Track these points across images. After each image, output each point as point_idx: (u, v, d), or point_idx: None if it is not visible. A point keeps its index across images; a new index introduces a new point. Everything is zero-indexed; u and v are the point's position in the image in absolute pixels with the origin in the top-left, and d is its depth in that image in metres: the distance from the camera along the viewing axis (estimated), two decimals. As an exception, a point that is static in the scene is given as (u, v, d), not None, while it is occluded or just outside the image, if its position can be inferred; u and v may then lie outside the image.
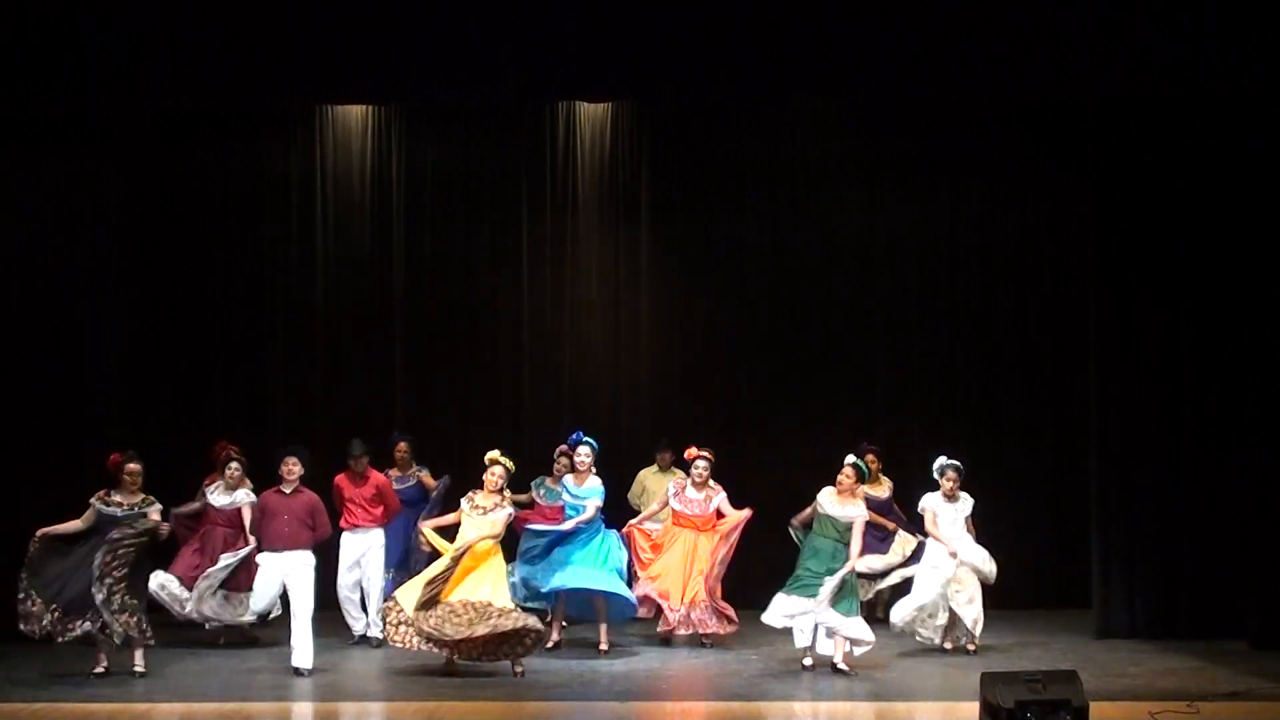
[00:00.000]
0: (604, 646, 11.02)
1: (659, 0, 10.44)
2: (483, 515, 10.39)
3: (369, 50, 10.48)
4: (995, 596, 12.90)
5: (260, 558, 10.53)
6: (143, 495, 10.25)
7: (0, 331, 12.23)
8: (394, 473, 11.97)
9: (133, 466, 10.22)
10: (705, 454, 11.31)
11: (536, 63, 10.48)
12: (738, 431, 13.32)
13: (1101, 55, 10.30)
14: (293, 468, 10.51)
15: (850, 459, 10.53)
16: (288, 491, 10.47)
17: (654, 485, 12.51)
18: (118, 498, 10.18)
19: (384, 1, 10.39)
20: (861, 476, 10.58)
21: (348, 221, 13.60)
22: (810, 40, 10.35)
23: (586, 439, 11.23)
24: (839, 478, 10.39)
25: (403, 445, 12.15)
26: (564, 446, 11.64)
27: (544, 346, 13.57)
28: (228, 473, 11.21)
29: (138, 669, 10.18)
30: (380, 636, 11.45)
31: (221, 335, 13.40)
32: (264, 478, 11.09)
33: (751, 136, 13.43)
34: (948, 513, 11.04)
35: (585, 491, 11.06)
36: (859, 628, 10.13)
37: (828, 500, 10.38)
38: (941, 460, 11.15)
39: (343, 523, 11.38)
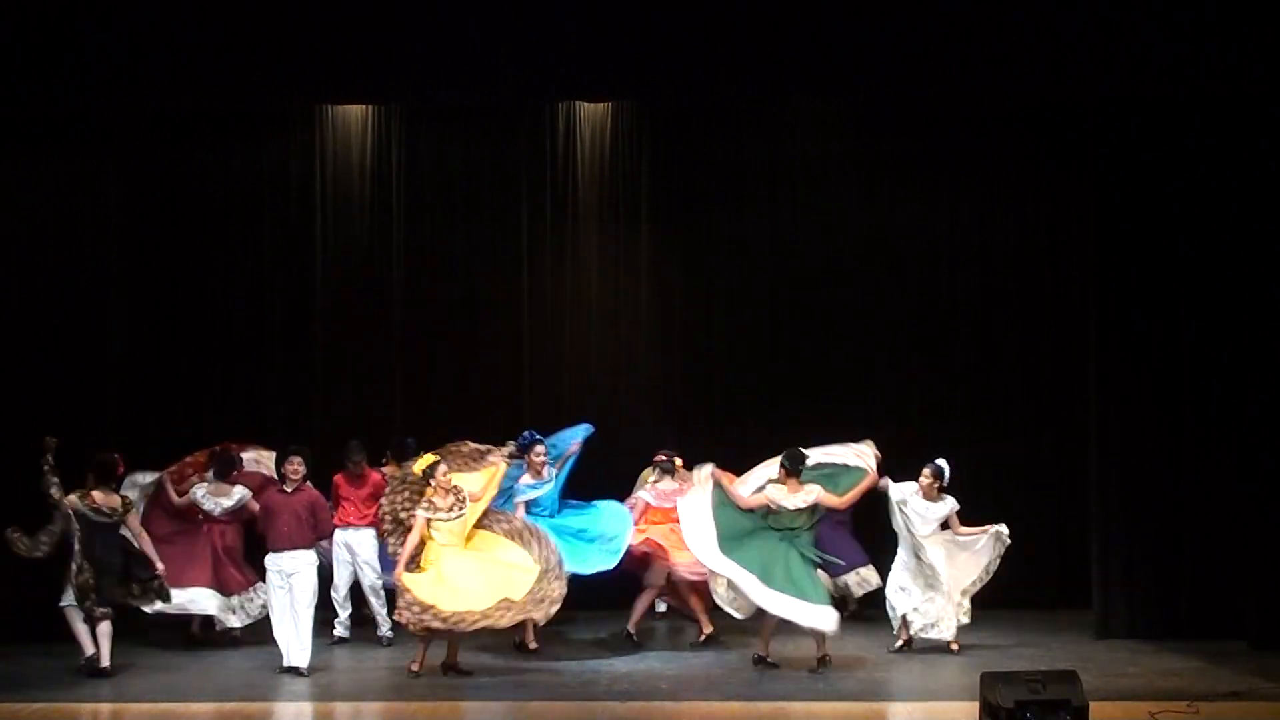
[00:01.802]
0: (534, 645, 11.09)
1: (659, 0, 10.44)
2: (448, 517, 10.34)
3: (369, 50, 10.48)
4: (996, 596, 12.94)
5: (267, 560, 10.55)
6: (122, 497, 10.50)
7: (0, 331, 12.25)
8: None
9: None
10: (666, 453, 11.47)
11: (536, 63, 10.48)
12: (737, 431, 13.29)
13: (1101, 55, 10.30)
14: (297, 468, 10.53)
15: (781, 459, 10.55)
16: (289, 490, 10.49)
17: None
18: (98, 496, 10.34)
19: (384, 1, 10.40)
20: (796, 474, 10.49)
21: (348, 221, 13.59)
22: (810, 40, 10.35)
23: (539, 437, 11.26)
24: (783, 477, 10.43)
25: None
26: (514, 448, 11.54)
27: (544, 346, 13.56)
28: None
29: (106, 665, 10.29)
30: (390, 635, 11.45)
31: (221, 335, 13.38)
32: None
33: (751, 136, 13.42)
34: (918, 509, 11.00)
35: (542, 485, 11.12)
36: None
37: (778, 493, 10.42)
38: (938, 462, 11.14)
39: (336, 520, 11.39)
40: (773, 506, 10.40)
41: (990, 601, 12.81)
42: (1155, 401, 11.42)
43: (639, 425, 13.26)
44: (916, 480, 11.07)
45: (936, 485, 11.03)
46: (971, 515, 13.16)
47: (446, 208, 13.61)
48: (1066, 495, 12.96)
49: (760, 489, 10.54)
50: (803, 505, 10.39)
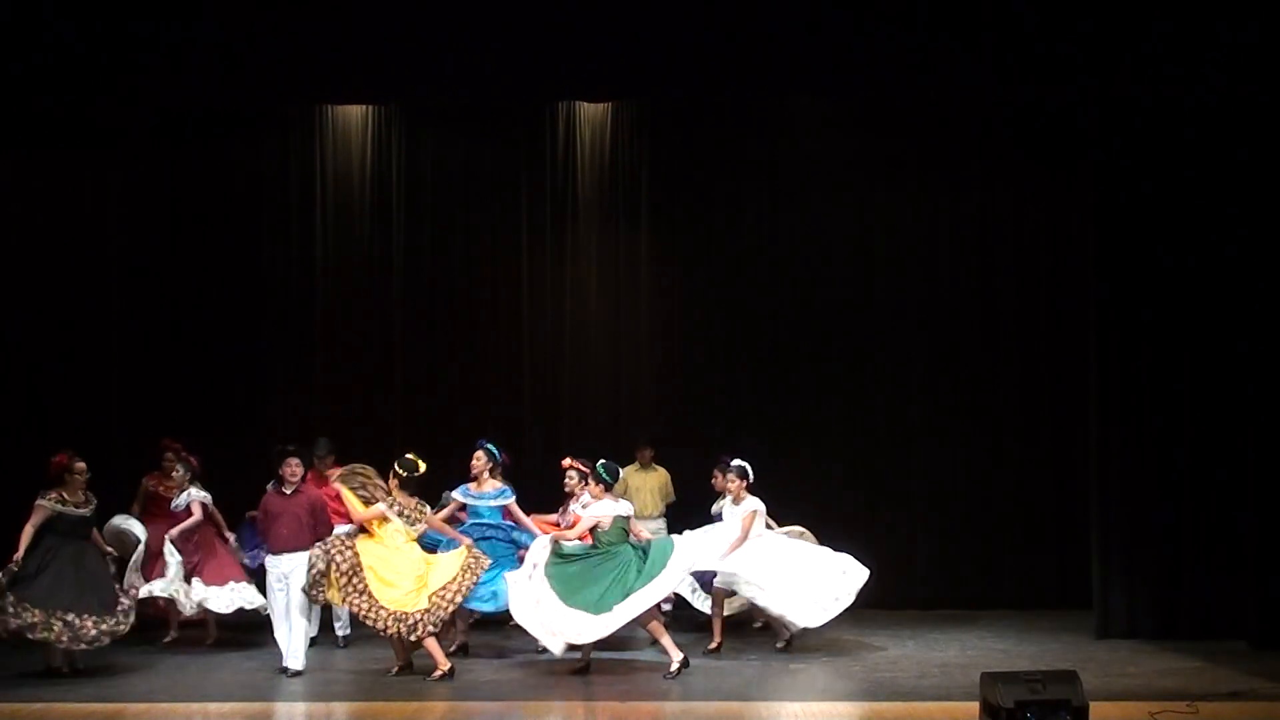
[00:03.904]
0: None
1: (659, 0, 10.44)
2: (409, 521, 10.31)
3: (369, 50, 10.49)
4: (996, 596, 12.97)
5: (266, 561, 10.57)
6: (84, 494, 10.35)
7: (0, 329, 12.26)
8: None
9: (80, 465, 10.28)
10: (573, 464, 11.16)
11: (536, 63, 10.49)
12: (737, 431, 13.30)
13: (1101, 55, 10.31)
14: (295, 469, 10.48)
15: (601, 463, 10.46)
16: (288, 493, 10.47)
17: (636, 482, 12.54)
18: (71, 497, 10.24)
19: (384, 1, 10.40)
20: (608, 484, 10.41)
21: (347, 221, 13.59)
22: (810, 40, 10.36)
23: (486, 445, 11.04)
24: (591, 488, 10.43)
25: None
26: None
27: (544, 346, 13.56)
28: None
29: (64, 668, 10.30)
30: (348, 634, 11.42)
31: (220, 335, 13.36)
32: (261, 477, 11.07)
33: (751, 136, 13.41)
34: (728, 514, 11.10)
35: (486, 495, 10.91)
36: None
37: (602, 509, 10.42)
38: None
39: None
40: (602, 525, 10.32)
41: (990, 601, 12.87)
42: (1155, 401, 11.40)
43: (637, 424, 13.27)
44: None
45: (743, 486, 11.05)
46: (971, 514, 13.24)
47: (446, 208, 13.61)
48: (1066, 496, 12.96)
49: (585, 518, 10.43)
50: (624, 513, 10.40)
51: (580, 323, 13.57)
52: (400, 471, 10.34)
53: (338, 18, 10.38)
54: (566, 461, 11.08)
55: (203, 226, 13.39)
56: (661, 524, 12.48)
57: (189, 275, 13.35)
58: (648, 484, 12.62)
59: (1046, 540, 13.14)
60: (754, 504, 11.02)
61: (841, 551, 11.09)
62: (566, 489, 11.12)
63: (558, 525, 11.01)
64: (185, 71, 10.45)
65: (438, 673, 10.03)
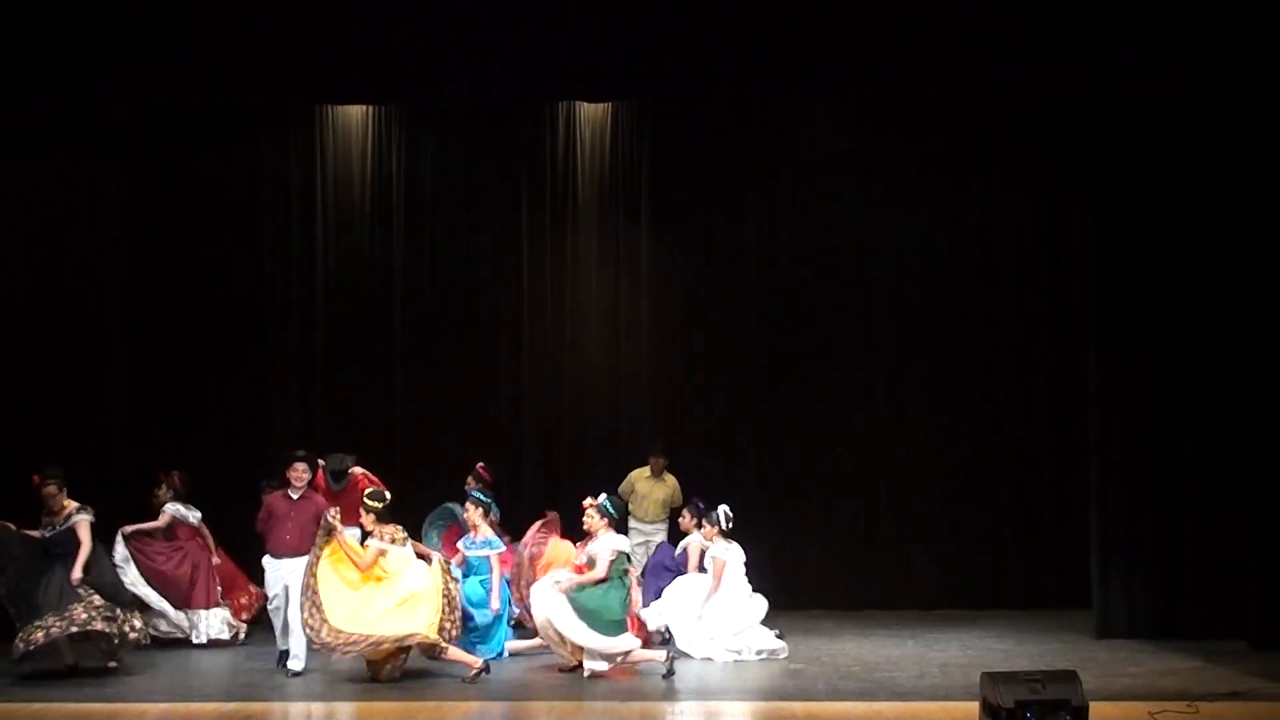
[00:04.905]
0: None
1: (659, 0, 10.45)
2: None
3: (369, 50, 10.50)
4: (996, 596, 12.98)
5: (265, 562, 10.56)
6: (72, 506, 10.23)
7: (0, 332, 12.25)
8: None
9: (47, 490, 10.18)
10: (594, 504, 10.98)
11: (536, 63, 10.50)
12: (737, 432, 13.32)
13: (1101, 55, 10.31)
14: (301, 474, 10.45)
15: (603, 498, 10.53)
16: (295, 498, 10.45)
17: (643, 488, 12.49)
18: (48, 519, 10.22)
19: (384, 1, 10.40)
20: (613, 519, 10.50)
21: (348, 222, 13.58)
22: (810, 40, 10.37)
23: (474, 493, 11.11)
24: (594, 523, 10.46)
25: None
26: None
27: (544, 346, 13.54)
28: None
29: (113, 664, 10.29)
30: None
31: (220, 335, 13.36)
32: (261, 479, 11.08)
33: (751, 136, 13.41)
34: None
35: (478, 544, 10.91)
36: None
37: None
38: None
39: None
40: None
41: (990, 601, 12.88)
42: (1155, 401, 11.41)
43: (637, 426, 13.27)
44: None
45: (716, 532, 11.04)
46: (971, 514, 13.23)
47: (447, 208, 13.61)
48: (1066, 495, 12.96)
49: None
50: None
51: (579, 322, 13.55)
52: (375, 505, 10.31)
53: (338, 18, 10.39)
54: (588, 502, 10.97)
55: (203, 227, 13.38)
56: (663, 527, 12.47)
57: (189, 276, 13.34)
58: (654, 493, 12.55)
59: (1046, 540, 13.14)
60: (725, 552, 10.98)
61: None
62: (585, 528, 10.82)
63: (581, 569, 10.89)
64: (185, 71, 10.46)
65: (473, 671, 10.07)
